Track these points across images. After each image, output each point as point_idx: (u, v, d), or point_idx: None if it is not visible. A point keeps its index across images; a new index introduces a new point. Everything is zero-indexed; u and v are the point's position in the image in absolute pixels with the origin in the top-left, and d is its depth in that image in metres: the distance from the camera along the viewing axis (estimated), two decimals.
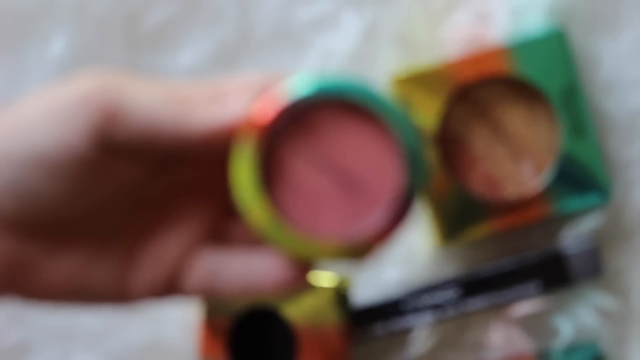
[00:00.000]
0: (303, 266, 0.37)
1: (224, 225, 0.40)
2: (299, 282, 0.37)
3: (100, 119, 0.36)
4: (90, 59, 0.55)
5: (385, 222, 0.36)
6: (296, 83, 0.36)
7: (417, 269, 0.55)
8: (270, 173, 0.37)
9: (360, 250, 0.37)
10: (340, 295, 0.52)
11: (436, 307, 0.52)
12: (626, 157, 0.54)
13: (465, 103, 0.53)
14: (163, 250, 0.39)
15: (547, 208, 0.52)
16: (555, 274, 0.52)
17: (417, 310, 0.53)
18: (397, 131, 0.36)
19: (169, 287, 0.39)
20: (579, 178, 0.52)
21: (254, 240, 0.39)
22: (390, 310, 0.53)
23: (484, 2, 0.54)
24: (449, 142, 0.53)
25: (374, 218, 0.37)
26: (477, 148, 0.53)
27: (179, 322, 0.55)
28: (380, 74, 0.54)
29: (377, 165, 0.36)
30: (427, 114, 0.52)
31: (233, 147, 0.37)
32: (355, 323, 0.53)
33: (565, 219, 0.54)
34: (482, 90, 0.53)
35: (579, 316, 0.54)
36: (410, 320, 0.53)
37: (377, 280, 0.55)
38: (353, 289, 0.54)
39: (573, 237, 0.53)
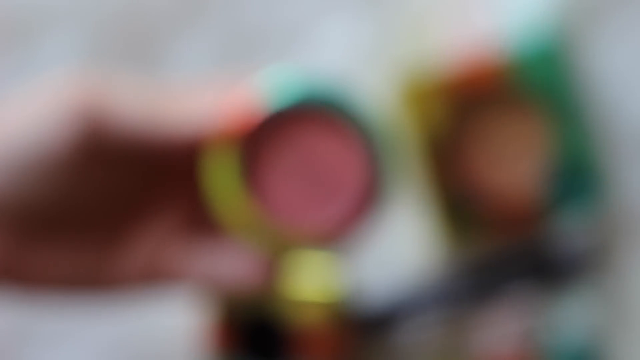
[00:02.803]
0: (268, 263, 0.41)
1: (196, 219, 0.42)
2: (262, 279, 0.41)
3: (86, 129, 0.38)
4: (90, 58, 0.55)
5: (349, 210, 0.40)
6: (272, 91, 0.39)
7: (417, 270, 0.55)
8: (246, 174, 0.40)
9: (327, 236, 0.40)
10: (338, 302, 0.52)
11: (434, 306, 0.53)
12: (625, 158, 0.54)
13: (462, 111, 0.53)
14: (140, 240, 0.41)
15: (546, 209, 0.52)
16: (554, 273, 0.52)
17: (416, 309, 0.53)
18: (363, 134, 0.40)
19: (146, 275, 0.41)
20: (578, 179, 0.52)
21: (222, 236, 0.42)
22: (389, 311, 0.53)
23: (481, 9, 0.54)
24: (446, 150, 0.53)
25: (339, 206, 0.40)
26: (477, 153, 0.53)
27: (176, 319, 0.56)
28: (376, 83, 0.55)
29: (345, 163, 0.40)
30: (423, 123, 0.53)
31: (207, 153, 0.40)
32: (355, 328, 0.53)
33: (565, 219, 0.54)
34: (481, 99, 0.53)
35: (577, 316, 0.54)
36: (410, 320, 0.53)
37: (377, 280, 0.55)
38: (351, 293, 0.54)
39: (572, 237, 0.54)
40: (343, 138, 0.40)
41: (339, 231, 0.40)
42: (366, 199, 0.40)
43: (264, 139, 0.39)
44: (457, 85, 0.52)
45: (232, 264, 0.41)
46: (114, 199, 0.41)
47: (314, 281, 0.52)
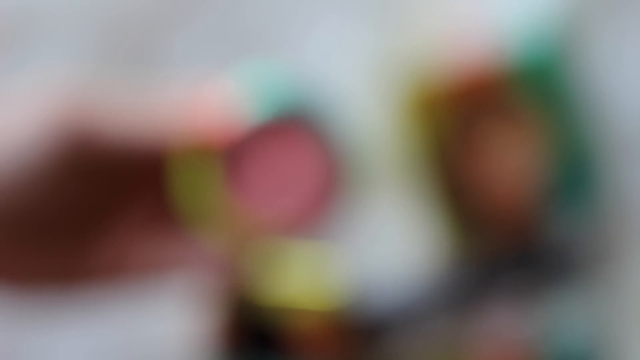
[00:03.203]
0: (230, 255, 0.44)
1: (162, 215, 0.44)
2: (223, 270, 0.44)
3: (67, 144, 0.40)
4: (88, 61, 0.55)
5: (307, 201, 0.43)
6: (248, 100, 0.42)
7: (417, 271, 0.55)
8: (221, 178, 0.43)
9: (289, 225, 0.43)
10: (337, 307, 0.52)
11: (434, 308, 0.53)
12: (625, 158, 0.55)
13: (464, 116, 0.53)
14: (109, 236, 0.43)
15: (546, 211, 0.53)
16: (554, 274, 0.52)
17: (415, 311, 0.53)
18: (325, 133, 0.43)
19: (115, 268, 0.44)
20: (578, 180, 0.53)
21: (185, 230, 0.44)
22: (388, 315, 0.53)
23: (481, 14, 0.54)
24: (447, 153, 0.53)
25: (297, 197, 0.43)
26: (477, 157, 0.53)
27: (172, 326, 0.56)
28: (373, 85, 0.55)
29: (305, 160, 0.43)
30: (424, 128, 0.53)
31: (178, 155, 0.42)
32: (354, 332, 0.53)
33: (565, 220, 0.54)
34: (481, 103, 0.53)
35: (577, 316, 0.54)
36: (409, 322, 0.53)
37: (377, 284, 0.55)
38: (350, 298, 0.54)
39: (572, 238, 0.54)
40: (305, 140, 0.43)
41: (299, 220, 0.43)
42: (323, 192, 0.43)
43: (240, 150, 0.42)
44: (458, 90, 0.52)
45: (194, 256, 0.44)
46: (88, 202, 0.43)
47: (313, 287, 0.52)
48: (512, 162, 0.53)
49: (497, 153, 0.53)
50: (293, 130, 0.43)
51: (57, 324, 0.56)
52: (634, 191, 0.55)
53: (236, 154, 0.42)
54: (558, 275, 0.53)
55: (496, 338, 0.54)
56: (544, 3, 0.54)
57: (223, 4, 0.56)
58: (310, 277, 0.52)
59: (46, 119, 0.41)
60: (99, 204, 0.43)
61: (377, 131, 0.55)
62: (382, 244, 0.56)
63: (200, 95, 0.43)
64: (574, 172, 0.53)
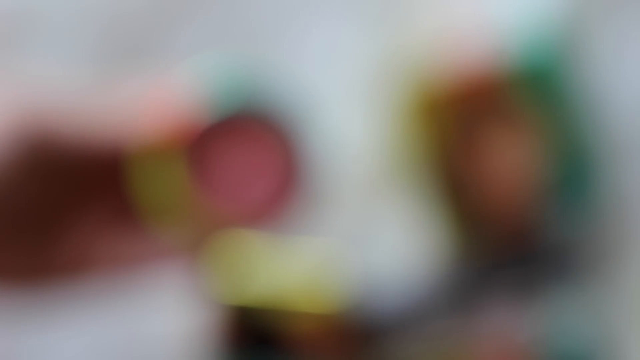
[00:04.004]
0: (189, 249, 0.44)
1: (124, 211, 0.45)
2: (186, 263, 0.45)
3: (29, 150, 0.41)
4: (86, 60, 0.55)
5: (270, 193, 0.44)
6: (207, 96, 0.43)
7: (417, 271, 0.55)
8: (184, 175, 0.43)
9: (254, 214, 0.44)
10: (336, 310, 0.52)
11: (434, 309, 0.53)
12: (625, 158, 0.55)
13: (463, 118, 0.53)
14: (72, 232, 0.44)
15: (546, 211, 0.53)
16: (553, 274, 0.52)
17: (415, 312, 0.53)
18: (287, 129, 0.43)
19: (80, 264, 0.45)
20: (578, 180, 0.53)
21: (145, 225, 0.45)
22: (388, 318, 0.53)
23: (480, 17, 0.54)
24: (447, 155, 0.53)
25: (261, 190, 0.44)
26: (477, 161, 0.53)
27: (170, 328, 0.56)
28: (370, 84, 0.55)
29: (268, 157, 0.44)
30: (424, 129, 0.53)
31: (137, 153, 0.43)
32: (353, 335, 0.53)
33: (565, 220, 0.54)
34: (480, 106, 0.53)
35: (577, 316, 0.55)
36: (409, 323, 0.53)
37: (376, 286, 0.55)
38: (349, 301, 0.54)
39: (572, 238, 0.54)
40: (268, 137, 0.44)
41: (260, 213, 0.44)
42: (284, 186, 0.44)
43: (199, 144, 0.43)
44: (457, 92, 0.52)
45: (156, 251, 0.45)
46: (49, 200, 0.44)
47: (311, 289, 0.52)
48: (512, 163, 0.53)
49: (497, 154, 0.53)
50: (253, 126, 0.43)
51: (53, 323, 0.56)
52: (633, 191, 0.55)
53: (197, 149, 0.43)
54: (558, 275, 0.53)
55: (496, 338, 0.55)
56: (544, 4, 0.54)
57: (222, 3, 0.56)
58: (308, 276, 0.52)
59: (6, 119, 0.42)
60: (60, 202, 0.44)
61: (376, 132, 0.55)
62: (383, 245, 0.56)
63: (161, 92, 0.43)
64: (574, 172, 0.53)
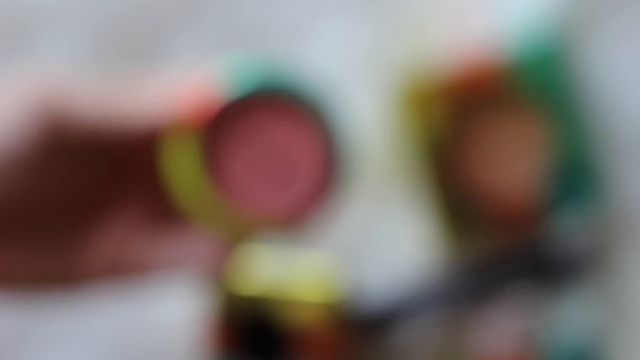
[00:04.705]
0: (227, 247, 0.41)
1: (158, 210, 0.43)
2: (222, 263, 0.42)
3: (46, 126, 0.38)
4: (90, 59, 0.56)
5: (305, 195, 0.41)
6: (231, 78, 0.40)
7: (417, 270, 0.55)
8: (206, 161, 0.40)
9: (285, 220, 0.41)
10: (337, 302, 0.52)
11: (434, 307, 0.53)
12: (625, 157, 0.54)
13: (462, 112, 0.53)
14: (105, 234, 0.41)
15: (546, 210, 0.52)
16: (554, 273, 0.52)
17: (415, 310, 0.53)
18: (321, 122, 0.41)
19: (112, 269, 0.42)
20: (577, 180, 0.52)
21: (183, 224, 0.43)
22: (388, 312, 0.53)
23: (481, 11, 0.54)
24: (446, 150, 0.53)
25: (296, 191, 0.41)
26: (476, 153, 0.53)
27: (175, 317, 0.56)
28: (374, 82, 0.55)
29: (302, 150, 0.41)
30: (423, 122, 0.53)
31: (165, 140, 0.40)
32: (354, 328, 0.53)
33: (564, 219, 0.54)
34: (479, 99, 0.53)
35: (577, 316, 0.54)
36: (409, 321, 0.53)
37: (377, 281, 0.55)
38: (350, 293, 0.54)
39: (572, 237, 0.54)
40: (301, 125, 0.41)
41: (296, 215, 0.41)
42: (323, 185, 0.41)
43: (223, 126, 0.40)
44: (456, 86, 0.52)
45: (194, 251, 0.42)
46: (77, 193, 0.41)
47: (313, 281, 0.52)
48: (511, 159, 0.53)
49: (496, 150, 0.53)
50: (284, 108, 0.41)
51: (63, 312, 0.57)
52: (634, 191, 0.55)
53: (220, 132, 0.40)
54: (559, 275, 0.52)
55: (498, 338, 0.54)
56: (544, 0, 0.54)
57: (226, 1, 0.56)
58: (311, 271, 0.52)
59: (22, 104, 0.38)
60: (89, 195, 0.41)
61: (378, 127, 0.55)
62: (382, 243, 0.56)
63: (185, 83, 0.41)
64: (574, 171, 0.53)
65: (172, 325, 0.56)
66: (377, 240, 0.55)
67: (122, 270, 0.42)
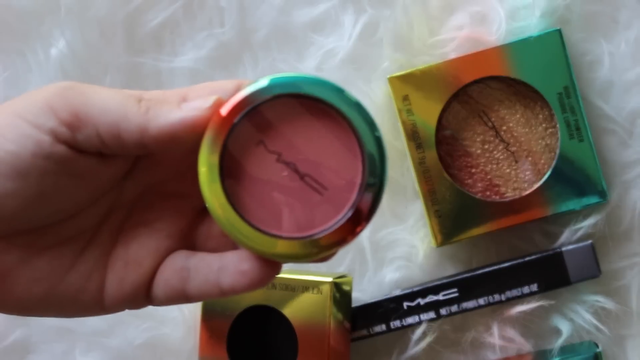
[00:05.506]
0: (270, 263, 0.38)
1: (195, 230, 0.40)
2: (266, 280, 0.38)
3: (65, 119, 0.36)
4: (90, 58, 0.55)
5: (345, 221, 0.37)
6: (258, 83, 0.37)
7: (417, 269, 0.55)
8: (234, 171, 0.37)
9: (320, 248, 0.37)
10: (340, 295, 0.52)
11: (435, 306, 0.53)
12: (623, 158, 0.54)
13: (463, 103, 0.53)
14: (136, 255, 0.39)
15: (545, 208, 0.52)
16: (553, 274, 0.52)
17: (416, 309, 0.53)
18: (357, 130, 0.37)
19: (142, 294, 0.39)
20: (577, 179, 0.52)
21: (223, 243, 0.40)
22: (389, 309, 0.53)
23: (481, 4, 0.54)
24: (448, 142, 0.53)
25: (333, 216, 0.37)
26: (476, 148, 0.53)
27: (180, 321, 0.56)
28: (378, 74, 0.54)
29: (337, 162, 0.37)
30: (425, 113, 0.52)
31: (200, 147, 0.37)
32: (355, 322, 0.53)
33: (564, 219, 0.54)
34: (480, 90, 0.53)
35: (578, 316, 0.54)
36: (410, 320, 0.53)
37: (377, 280, 0.55)
38: (352, 288, 0.54)
39: (571, 238, 0.53)
40: (336, 132, 0.37)
41: (333, 243, 0.37)
42: (364, 206, 0.37)
43: (249, 130, 0.37)
44: (456, 80, 0.52)
45: (232, 268, 0.38)
46: (107, 207, 0.39)
47: (313, 281, 0.52)
48: (512, 156, 0.53)
49: (496, 146, 0.53)
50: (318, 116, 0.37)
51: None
52: (633, 191, 0.55)
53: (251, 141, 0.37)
54: (560, 275, 0.52)
55: (500, 338, 0.54)
56: None
57: (232, 2, 0.56)
58: (313, 271, 0.52)
59: (41, 100, 0.36)
60: (123, 206, 0.39)
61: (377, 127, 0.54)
62: (383, 243, 0.56)
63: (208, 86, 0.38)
64: (573, 170, 0.53)
65: (176, 324, 0.56)
66: (377, 240, 0.55)
67: (155, 298, 0.39)
